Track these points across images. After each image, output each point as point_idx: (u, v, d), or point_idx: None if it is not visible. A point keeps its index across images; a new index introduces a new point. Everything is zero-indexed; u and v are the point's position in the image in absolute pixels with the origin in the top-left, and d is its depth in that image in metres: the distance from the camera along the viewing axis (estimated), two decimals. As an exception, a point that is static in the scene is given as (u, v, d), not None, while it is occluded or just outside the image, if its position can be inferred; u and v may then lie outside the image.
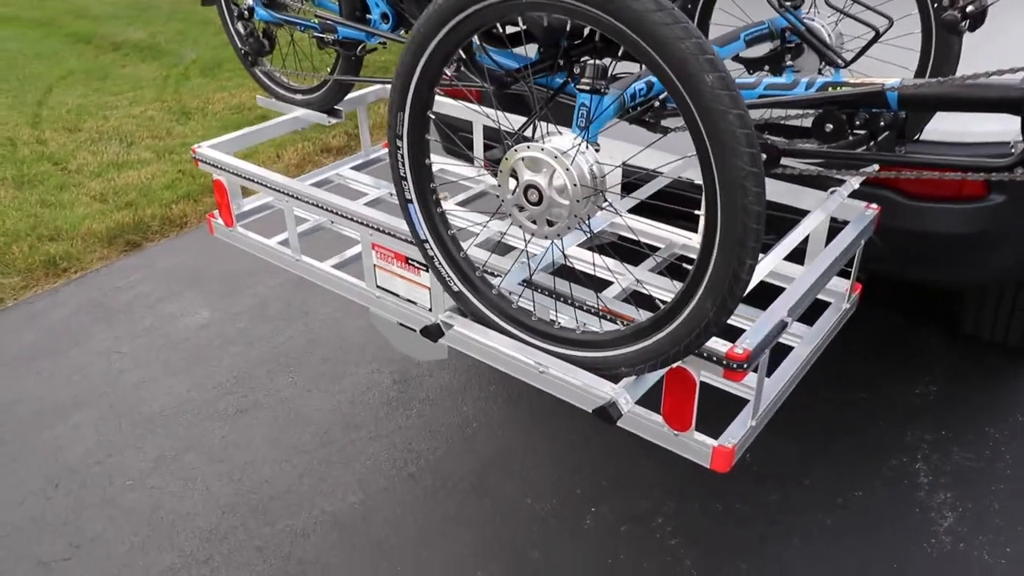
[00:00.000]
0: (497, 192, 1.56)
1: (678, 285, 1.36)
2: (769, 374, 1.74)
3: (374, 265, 2.03)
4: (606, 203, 1.44)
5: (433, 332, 1.70)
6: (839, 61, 1.84)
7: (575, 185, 1.37)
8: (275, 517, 2.49)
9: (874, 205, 2.03)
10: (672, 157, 2.10)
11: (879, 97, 1.49)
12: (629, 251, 2.01)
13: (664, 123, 1.72)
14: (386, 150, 2.84)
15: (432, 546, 2.39)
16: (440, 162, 2.77)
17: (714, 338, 1.41)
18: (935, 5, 1.83)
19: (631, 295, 1.86)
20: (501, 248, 1.88)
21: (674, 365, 1.49)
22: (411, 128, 1.58)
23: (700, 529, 2.40)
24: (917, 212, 2.32)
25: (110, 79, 6.60)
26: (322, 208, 2.10)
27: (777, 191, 2.04)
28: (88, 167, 4.89)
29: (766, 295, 1.70)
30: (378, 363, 3.12)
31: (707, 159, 1.21)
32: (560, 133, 1.43)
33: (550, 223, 1.44)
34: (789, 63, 1.96)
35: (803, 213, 1.95)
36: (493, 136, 2.62)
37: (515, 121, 2.24)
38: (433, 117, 1.57)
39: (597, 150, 1.42)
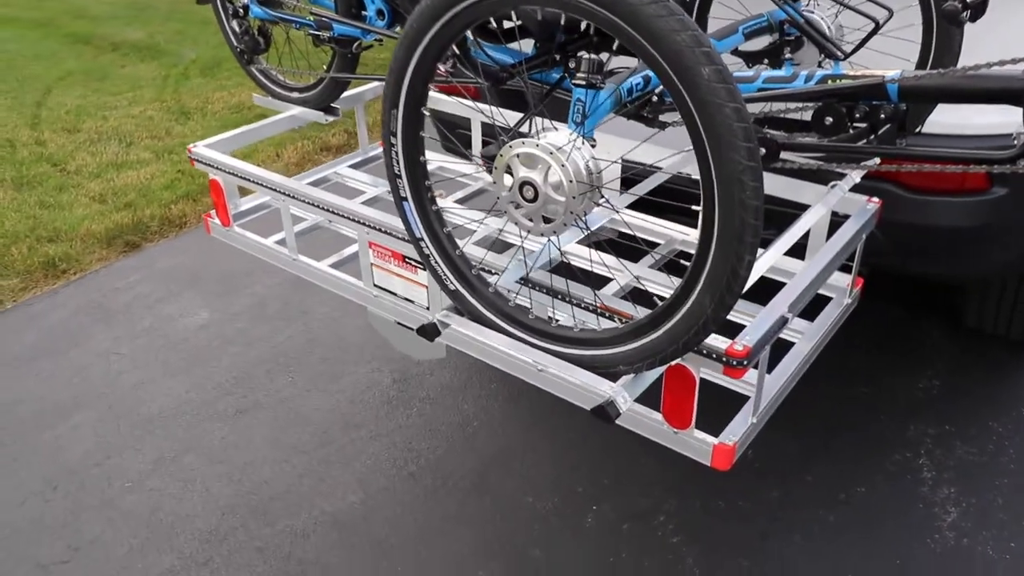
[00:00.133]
0: (493, 189, 1.54)
1: (677, 282, 1.34)
2: (770, 370, 1.72)
3: (371, 264, 2.02)
4: (603, 199, 1.42)
5: (429, 331, 1.68)
6: (839, 53, 1.82)
7: (571, 181, 1.35)
8: (275, 518, 2.48)
9: (875, 199, 2.01)
10: (671, 152, 2.08)
11: (879, 89, 1.47)
12: (629, 247, 1.99)
13: (662, 118, 1.71)
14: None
15: (433, 545, 2.38)
16: (438, 160, 2.78)
17: (714, 335, 1.39)
18: (935, -5, 1.81)
19: (631, 292, 1.85)
20: (499, 245, 1.86)
21: (673, 363, 1.47)
22: (405, 125, 1.56)
23: (701, 527, 2.38)
24: (919, 205, 2.30)
25: (109, 79, 6.58)
26: (318, 207, 2.08)
27: (777, 185, 2.02)
28: (87, 168, 4.87)
29: (766, 291, 1.68)
30: (378, 362, 3.11)
31: (704, 153, 1.20)
32: (556, 129, 1.42)
33: (546, 220, 1.43)
34: (788, 56, 1.94)
35: (803, 207, 1.93)
36: (492, 133, 2.60)
37: (512, 117, 2.22)
38: (428, 114, 1.55)
39: (593, 145, 1.40)
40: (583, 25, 1.67)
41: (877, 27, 1.80)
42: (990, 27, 1.83)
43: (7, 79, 6.60)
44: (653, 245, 2.16)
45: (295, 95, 2.63)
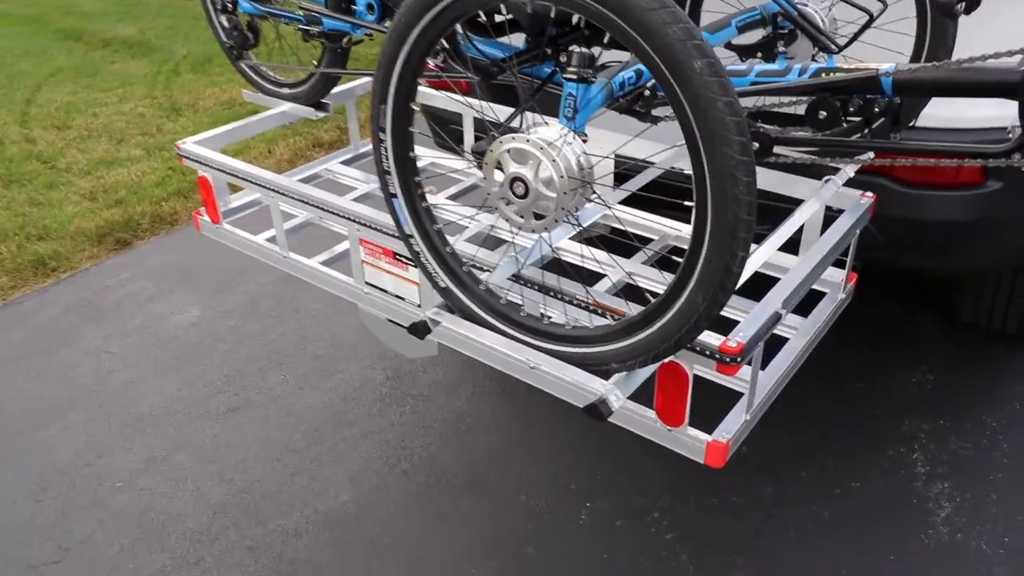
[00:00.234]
0: (484, 185, 1.52)
1: (670, 278, 1.32)
2: (763, 367, 1.71)
3: (362, 261, 2.00)
4: (595, 195, 1.40)
5: (420, 329, 1.66)
6: (832, 47, 1.81)
7: (562, 177, 1.33)
8: (266, 517, 2.46)
9: (869, 193, 1.99)
10: (664, 147, 2.06)
11: (873, 83, 1.45)
12: (622, 243, 1.98)
13: (654, 112, 1.69)
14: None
15: (426, 544, 2.36)
16: (431, 155, 2.76)
17: (707, 331, 1.38)
18: (930, -12, 1.79)
19: (625, 289, 1.83)
20: (491, 242, 1.84)
21: (666, 360, 1.46)
22: (394, 121, 1.54)
23: (696, 523, 2.37)
24: (913, 200, 2.29)
25: (99, 76, 6.54)
26: (308, 204, 2.06)
27: (770, 180, 2.00)
28: (77, 165, 4.84)
29: (760, 286, 1.67)
30: (370, 359, 3.09)
31: (696, 148, 1.18)
32: (547, 124, 1.40)
33: (537, 216, 1.41)
34: (782, 50, 1.92)
35: (797, 202, 1.92)
36: (485, 128, 2.58)
37: (505, 112, 2.20)
38: (418, 109, 1.53)
39: (585, 140, 1.39)
40: (574, 18, 1.65)
41: (871, 20, 1.78)
42: (984, 20, 1.82)
43: (-4, 76, 6.56)
44: (646, 241, 2.15)
45: (285, 91, 2.60)
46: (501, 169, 1.41)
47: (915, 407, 2.76)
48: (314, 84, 2.51)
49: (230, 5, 2.46)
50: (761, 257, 1.68)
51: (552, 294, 1.63)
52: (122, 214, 4.22)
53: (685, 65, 1.15)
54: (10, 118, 5.60)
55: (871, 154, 1.73)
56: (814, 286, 1.86)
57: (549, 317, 1.65)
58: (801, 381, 1.84)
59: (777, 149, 1.64)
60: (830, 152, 1.82)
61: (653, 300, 1.36)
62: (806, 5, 1.96)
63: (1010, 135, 1.46)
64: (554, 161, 1.33)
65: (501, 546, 2.34)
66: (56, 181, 4.64)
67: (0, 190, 4.52)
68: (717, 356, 1.42)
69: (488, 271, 1.68)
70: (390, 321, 2.02)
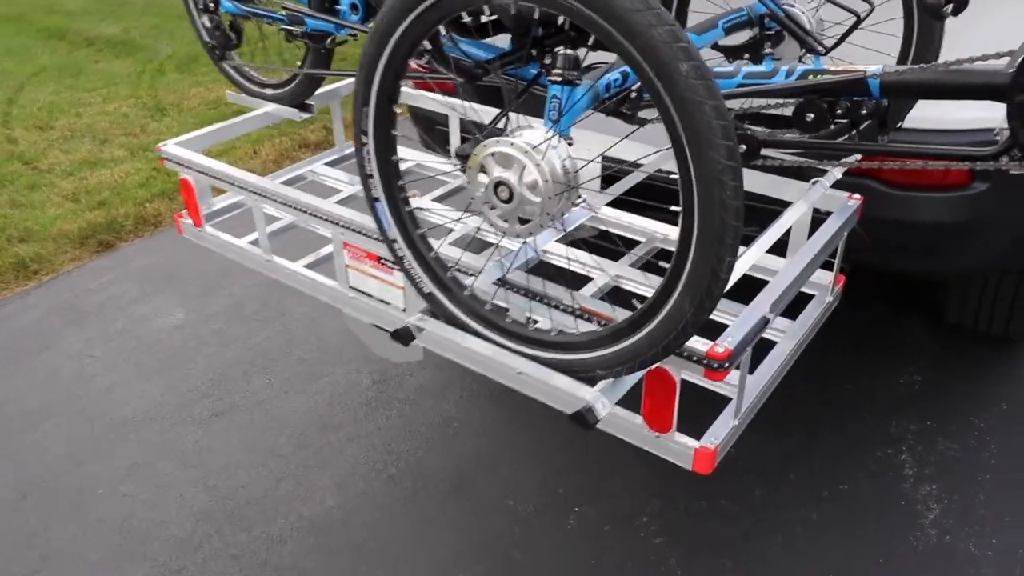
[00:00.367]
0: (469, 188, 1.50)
1: (658, 281, 1.30)
2: (751, 371, 1.70)
3: (346, 265, 1.97)
4: (580, 199, 1.38)
5: (404, 336, 1.64)
6: (819, 48, 1.79)
7: (546, 181, 1.31)
8: (251, 523, 2.43)
9: (857, 196, 1.98)
10: (652, 148, 2.05)
11: (861, 85, 1.44)
12: (610, 246, 1.96)
13: (641, 114, 1.67)
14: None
15: (412, 549, 2.34)
16: (416, 157, 2.73)
17: (694, 336, 1.36)
18: (917, -11, 1.78)
19: (613, 293, 1.81)
20: (476, 246, 1.82)
21: (653, 366, 1.44)
22: (377, 123, 1.51)
23: (684, 528, 2.36)
24: (900, 201, 2.29)
25: (83, 75, 6.47)
26: (291, 207, 2.03)
27: (758, 182, 1.99)
28: (60, 166, 4.79)
29: (747, 287, 1.65)
30: (357, 363, 3.06)
31: (682, 152, 1.16)
32: (531, 127, 1.38)
33: (522, 221, 1.39)
34: (769, 51, 1.91)
35: (784, 204, 1.90)
36: (471, 130, 2.56)
37: (490, 113, 2.18)
38: (401, 112, 1.51)
39: (570, 144, 1.37)
40: (559, 19, 1.63)
41: (859, 21, 1.77)
42: (970, 21, 1.81)
43: (-22, 76, 6.48)
44: (635, 244, 2.13)
45: (269, 92, 2.57)
46: (485, 172, 1.39)
47: (902, 408, 2.75)
48: (298, 85, 2.48)
49: (212, 5, 2.43)
50: (749, 260, 1.66)
51: (538, 298, 1.61)
52: (105, 216, 4.17)
53: (671, 68, 1.13)
54: (-8, 119, 5.54)
55: (858, 156, 1.72)
56: (802, 288, 1.84)
57: (535, 322, 1.63)
58: (788, 383, 1.83)
59: (765, 151, 1.63)
60: (818, 154, 1.80)
61: (640, 306, 1.34)
62: (793, 6, 1.94)
63: (997, 137, 1.45)
64: (539, 165, 1.31)
65: (488, 551, 2.32)
66: (38, 182, 4.58)
67: (-19, 192, 4.47)
68: (705, 362, 1.40)
69: (473, 275, 1.66)
70: (375, 326, 2.00)
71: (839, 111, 1.54)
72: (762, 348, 1.72)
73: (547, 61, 1.38)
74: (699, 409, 1.62)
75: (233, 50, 2.55)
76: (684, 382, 1.49)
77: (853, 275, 2.16)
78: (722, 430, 1.58)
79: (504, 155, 1.34)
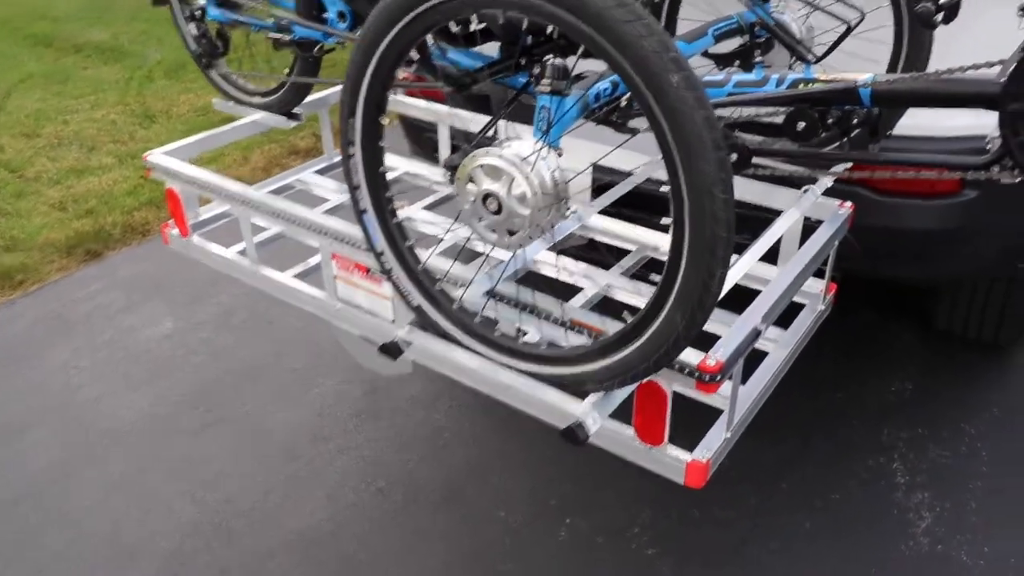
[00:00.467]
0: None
1: (646, 290, 1.29)
2: (744, 381, 1.68)
3: (334, 276, 1.95)
4: (570, 211, 1.37)
5: (392, 350, 1.62)
6: (810, 57, 1.79)
7: (536, 193, 1.30)
8: (240, 536, 2.41)
9: (848, 203, 1.97)
10: (643, 156, 2.04)
11: (852, 94, 1.43)
12: (601, 254, 1.95)
13: (631, 123, 1.66)
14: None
15: (403, 561, 2.32)
16: (405, 165, 2.71)
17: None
18: (907, -3, 1.78)
19: (605, 302, 1.80)
20: (466, 254, 1.80)
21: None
22: (364, 134, 1.50)
23: (677, 538, 2.34)
24: (890, 209, 2.28)
25: (71, 82, 6.42)
26: (279, 217, 2.01)
27: (748, 190, 1.98)
28: (47, 174, 4.74)
29: (738, 295, 1.64)
30: (347, 373, 3.03)
31: (673, 164, 1.15)
32: (520, 137, 1.36)
33: (511, 232, 1.37)
34: (759, 59, 1.90)
35: (775, 212, 1.89)
36: (461, 138, 2.54)
37: (481, 121, 2.17)
38: (388, 123, 1.49)
39: (560, 155, 1.35)
40: (549, 27, 1.62)
41: (849, 30, 1.76)
42: (959, 29, 1.80)
43: (-36, 83, 6.42)
44: (626, 252, 2.11)
45: (256, 100, 2.55)
46: (474, 184, 1.37)
47: (893, 415, 2.75)
48: (286, 93, 2.46)
49: (198, 13, 2.41)
50: (741, 269, 1.65)
51: (527, 310, 1.60)
52: (92, 224, 4.13)
53: (661, 79, 1.12)
54: (-22, 126, 5.49)
55: (847, 165, 1.72)
56: (793, 298, 1.83)
57: (525, 333, 1.61)
58: (780, 390, 1.82)
59: (755, 160, 1.62)
60: (808, 163, 1.80)
61: (631, 319, 1.32)
62: (783, 14, 1.94)
63: (988, 146, 1.45)
64: (528, 177, 1.29)
65: (479, 562, 2.30)
66: (24, 191, 4.54)
67: (-34, 200, 4.42)
68: (696, 375, 1.39)
69: (462, 287, 1.64)
70: (364, 339, 1.98)
71: (830, 120, 1.53)
72: (754, 358, 1.71)
73: (536, 71, 1.37)
74: (691, 418, 1.60)
75: (220, 58, 2.53)
76: (675, 392, 1.48)
77: (844, 282, 2.15)
78: (714, 442, 1.56)
79: (493, 167, 1.32)
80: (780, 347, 1.86)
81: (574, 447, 2.41)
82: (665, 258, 1.24)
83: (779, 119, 1.63)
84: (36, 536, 2.43)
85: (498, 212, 1.34)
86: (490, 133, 1.56)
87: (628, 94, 1.56)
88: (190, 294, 3.57)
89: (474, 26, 1.61)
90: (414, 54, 1.46)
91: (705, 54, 1.94)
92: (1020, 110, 1.27)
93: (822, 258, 1.86)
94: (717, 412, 1.63)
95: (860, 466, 2.56)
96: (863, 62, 1.78)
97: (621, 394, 1.49)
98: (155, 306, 3.51)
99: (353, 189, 1.58)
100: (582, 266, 1.93)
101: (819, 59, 1.80)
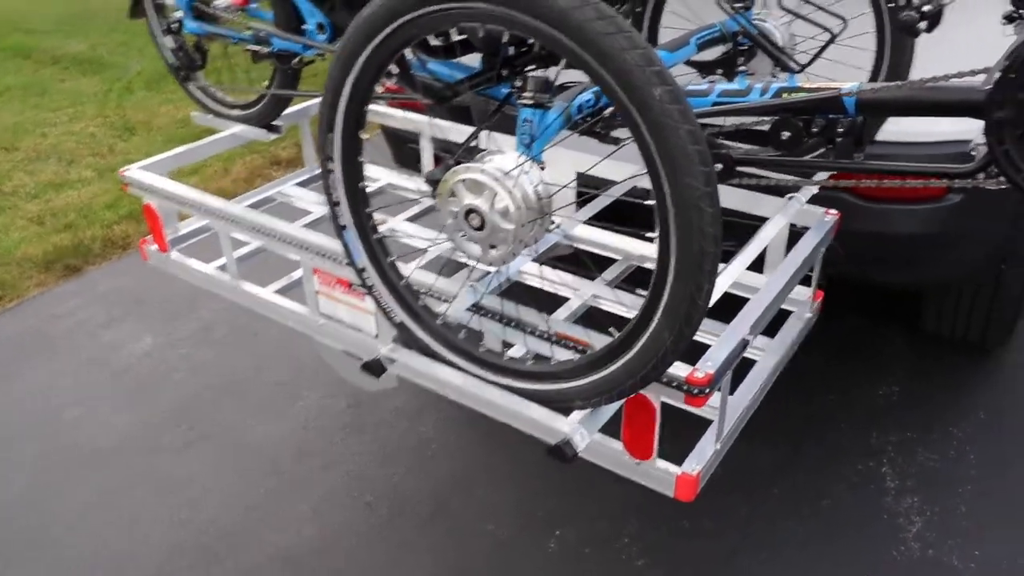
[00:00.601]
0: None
1: (633, 299, 1.27)
2: (732, 391, 1.67)
3: (316, 291, 1.93)
4: (554, 225, 1.35)
5: (375, 368, 1.59)
6: (793, 65, 1.78)
7: (519, 208, 1.27)
8: (225, 555, 2.37)
9: (833, 211, 1.97)
10: (629, 166, 2.02)
11: (836, 103, 1.42)
12: (586, 263, 1.93)
13: (615, 133, 1.64)
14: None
15: (391, 575, 2.29)
16: (388, 177, 2.68)
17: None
18: (890, 5, 1.77)
19: (590, 314, 1.78)
20: (451, 266, 1.78)
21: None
22: (344, 150, 1.47)
23: (666, 548, 2.32)
24: (874, 214, 2.28)
25: (48, 95, 6.35)
26: (259, 232, 1.98)
27: (734, 198, 1.97)
28: (24, 188, 4.68)
29: (724, 303, 1.63)
30: (331, 386, 3.00)
31: (658, 178, 1.13)
32: (503, 151, 1.34)
33: (494, 247, 1.35)
34: (742, 68, 1.89)
35: (761, 220, 1.88)
36: (445, 148, 2.52)
37: (464, 131, 2.15)
38: (367, 138, 1.47)
39: (542, 168, 1.33)
40: (530, 39, 1.60)
41: (833, 38, 1.76)
42: (933, 39, 1.80)
43: (-61, 96, 6.34)
44: (610, 261, 2.09)
45: (235, 113, 2.52)
46: (456, 198, 1.35)
47: (882, 419, 2.74)
48: (265, 105, 2.43)
49: (175, 26, 2.38)
50: (728, 279, 1.64)
51: (512, 324, 1.57)
52: (71, 239, 4.08)
53: (644, 92, 1.10)
54: (-46, 140, 5.41)
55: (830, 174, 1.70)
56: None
57: (511, 346, 1.59)
58: (768, 396, 1.81)
59: (740, 169, 1.60)
60: (794, 172, 1.79)
61: (617, 335, 1.30)
62: (764, 21, 1.93)
63: (973, 152, 1.44)
64: (510, 192, 1.27)
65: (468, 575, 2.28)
66: (2, 205, 4.47)
67: (-58, 216, 4.35)
68: (685, 388, 1.37)
69: (446, 301, 1.61)
70: (347, 354, 1.95)
71: (815, 129, 1.52)
72: (742, 367, 1.69)
73: (518, 83, 1.34)
74: (679, 425, 1.57)
75: (198, 71, 2.50)
76: (663, 403, 1.46)
77: (830, 287, 2.14)
78: (704, 455, 1.54)
79: (475, 182, 1.30)
80: (768, 356, 1.84)
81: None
82: (651, 266, 1.22)
83: (764, 127, 1.62)
84: (12, 559, 2.38)
85: (481, 228, 1.32)
86: (472, 146, 1.53)
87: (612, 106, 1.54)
88: (171, 309, 3.52)
89: (454, 38, 1.59)
90: (393, 67, 1.44)
91: (688, 62, 1.93)
92: (1005, 118, 1.26)
93: (809, 266, 1.85)
94: (705, 420, 1.61)
95: (850, 471, 2.55)
96: (846, 69, 1.77)
97: (609, 409, 1.47)
98: (136, 322, 3.46)
99: (333, 205, 1.55)
100: (567, 277, 1.91)
101: (803, 67, 1.79)
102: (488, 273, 1.66)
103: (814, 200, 1.97)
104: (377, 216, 1.60)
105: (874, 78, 1.94)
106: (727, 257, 1.65)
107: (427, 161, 2.58)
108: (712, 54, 1.94)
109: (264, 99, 2.42)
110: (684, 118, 1.09)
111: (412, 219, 2.46)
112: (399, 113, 2.58)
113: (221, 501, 2.55)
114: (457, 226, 1.35)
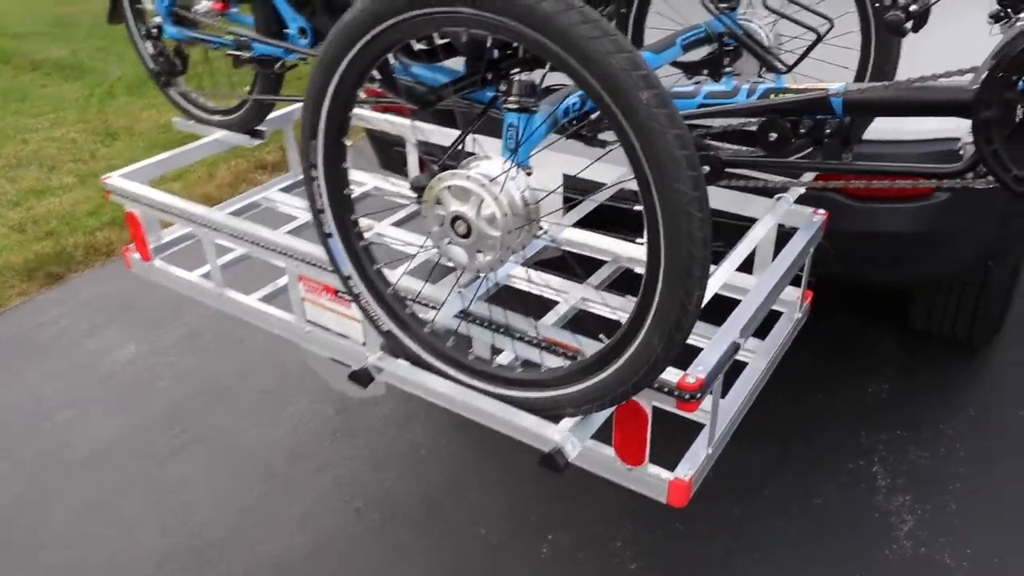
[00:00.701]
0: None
1: (623, 301, 1.26)
2: (723, 394, 1.66)
3: (302, 298, 1.90)
4: (542, 231, 1.33)
5: (362, 378, 1.57)
6: (779, 66, 1.77)
7: (506, 215, 1.26)
8: (216, 562, 2.34)
9: (822, 211, 1.96)
10: (616, 168, 2.00)
11: (824, 104, 1.41)
12: (576, 267, 1.91)
13: (602, 136, 1.62)
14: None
15: (383, 584, 2.27)
16: (374, 181, 2.66)
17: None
18: (876, 5, 1.77)
19: (580, 318, 1.76)
20: (439, 271, 1.76)
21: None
22: (327, 156, 1.45)
23: (660, 551, 2.31)
24: (862, 213, 2.28)
25: (29, 100, 6.28)
26: (243, 239, 1.96)
27: (722, 199, 1.96)
28: (5, 196, 4.62)
29: (713, 304, 1.61)
30: (320, 392, 2.97)
31: (646, 184, 1.12)
32: (489, 157, 1.32)
33: (481, 253, 1.33)
34: (728, 69, 1.88)
35: (749, 220, 1.87)
36: (430, 152, 2.50)
37: (450, 135, 2.13)
38: (351, 144, 1.45)
39: (529, 174, 1.31)
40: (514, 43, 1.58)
41: (819, 39, 1.75)
42: (917, 39, 1.79)
43: (-82, 103, 6.26)
44: (599, 264, 2.08)
45: (217, 118, 2.49)
46: (442, 205, 1.33)
47: (871, 418, 2.74)
48: (248, 111, 2.41)
49: (155, 31, 2.34)
50: (718, 281, 1.63)
51: (501, 330, 1.56)
52: (53, 246, 4.03)
53: (630, 96, 1.08)
54: (-67, 147, 5.34)
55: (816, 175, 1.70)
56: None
57: (499, 352, 1.57)
58: (758, 396, 1.80)
59: (728, 170, 1.59)
60: (782, 173, 1.78)
61: (607, 342, 1.29)
62: (750, 21, 1.92)
63: (961, 152, 1.44)
64: (496, 198, 1.25)
65: (461, 583, 2.26)
66: (-18, 213, 4.43)
67: (-78, 225, 4.29)
68: (676, 393, 1.36)
69: (434, 308, 1.59)
70: (334, 361, 1.93)
71: (802, 130, 1.51)
72: (732, 369, 1.68)
73: (503, 88, 1.33)
74: (670, 428, 1.56)
75: (178, 76, 2.47)
76: (654, 407, 1.44)
77: (819, 286, 2.14)
78: (696, 459, 1.53)
79: (460, 188, 1.28)
80: (759, 357, 1.83)
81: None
82: (640, 270, 1.21)
83: (752, 127, 1.61)
84: (6, 564, 2.34)
85: (467, 235, 1.30)
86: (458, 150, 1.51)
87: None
88: (156, 316, 3.48)
89: (437, 41, 1.57)
90: (376, 72, 1.42)
91: (674, 64, 1.92)
92: (993, 117, 1.25)
93: (798, 266, 1.84)
94: (696, 423, 1.60)
95: (840, 470, 2.55)
96: (833, 69, 1.76)
97: (600, 417, 1.45)
98: (121, 329, 3.43)
99: (317, 212, 1.53)
100: (555, 280, 1.90)
101: (790, 68, 1.79)
102: (476, 278, 1.64)
103: (802, 200, 1.97)
104: (363, 222, 1.58)
105: (860, 78, 1.93)
106: (716, 258, 1.64)
107: (413, 165, 2.56)
108: (698, 55, 1.93)
109: (246, 104, 2.39)
110: (671, 122, 1.08)
111: (398, 223, 2.44)
112: (382, 117, 2.55)
113: (214, 504, 2.53)
114: (443, 233, 1.33)
